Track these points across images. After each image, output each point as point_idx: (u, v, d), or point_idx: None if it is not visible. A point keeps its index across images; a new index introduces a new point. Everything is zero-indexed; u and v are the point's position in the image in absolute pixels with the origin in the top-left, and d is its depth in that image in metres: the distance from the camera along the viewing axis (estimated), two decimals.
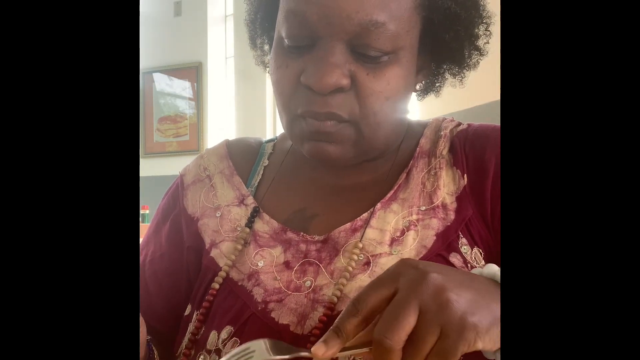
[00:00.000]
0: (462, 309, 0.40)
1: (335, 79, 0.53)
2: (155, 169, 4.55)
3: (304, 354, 0.43)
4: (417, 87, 0.65)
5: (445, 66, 0.64)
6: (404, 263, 0.44)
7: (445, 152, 0.62)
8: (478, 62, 0.64)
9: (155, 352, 0.63)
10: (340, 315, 0.43)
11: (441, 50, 0.61)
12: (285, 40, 0.56)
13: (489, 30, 0.62)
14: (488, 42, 0.63)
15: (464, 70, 0.64)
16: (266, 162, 0.69)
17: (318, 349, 0.41)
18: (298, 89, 0.56)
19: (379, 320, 0.41)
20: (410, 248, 0.57)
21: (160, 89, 4.98)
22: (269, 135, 4.33)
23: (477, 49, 0.63)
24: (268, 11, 0.64)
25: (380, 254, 0.57)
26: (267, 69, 0.70)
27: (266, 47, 0.69)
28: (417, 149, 0.64)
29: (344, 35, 0.53)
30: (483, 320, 0.40)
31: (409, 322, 0.40)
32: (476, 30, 0.61)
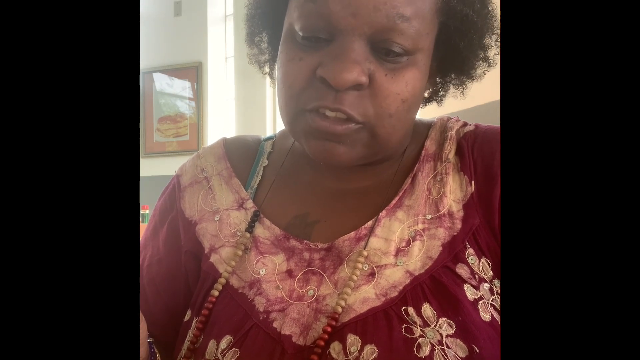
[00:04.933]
0: None
1: (355, 75, 0.51)
2: (155, 169, 4.54)
3: None
4: (426, 94, 0.64)
5: (450, 77, 0.63)
6: None
7: (451, 155, 0.60)
8: (484, 74, 0.63)
9: (158, 355, 0.62)
10: None
11: (453, 58, 0.60)
12: (300, 33, 0.54)
13: (499, 42, 0.61)
14: (497, 54, 0.62)
15: (467, 82, 0.63)
16: (265, 162, 0.67)
17: None
18: (311, 83, 0.54)
19: None
20: (416, 259, 0.55)
21: (160, 89, 4.97)
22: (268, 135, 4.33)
23: (487, 59, 0.62)
24: (272, 6, 0.61)
25: (385, 265, 0.55)
26: (262, 68, 0.68)
27: (263, 45, 0.66)
28: (423, 151, 0.62)
29: (367, 29, 0.51)
30: None
31: None
32: (488, 40, 0.61)
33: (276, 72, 0.65)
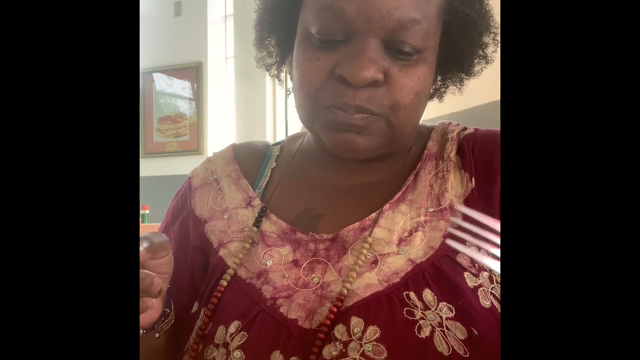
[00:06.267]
0: None
1: (372, 73, 0.55)
2: (155, 169, 4.55)
3: None
4: (430, 90, 0.67)
5: (450, 74, 0.67)
6: None
7: (452, 154, 0.64)
8: (482, 71, 0.67)
9: (173, 306, 0.61)
10: None
11: (454, 56, 0.64)
12: (316, 36, 0.58)
13: (496, 40, 0.65)
14: (495, 51, 0.65)
15: (465, 79, 0.67)
16: (273, 165, 0.70)
17: None
18: (329, 81, 0.57)
19: None
20: (418, 248, 0.58)
21: (160, 89, 4.97)
22: (268, 136, 4.35)
23: (485, 56, 0.66)
24: (282, 9, 0.64)
25: (388, 253, 0.58)
26: (269, 71, 0.72)
27: (271, 48, 0.70)
28: (425, 151, 0.65)
29: (381, 31, 0.55)
30: None
31: None
32: (486, 38, 0.65)
33: (284, 75, 0.68)
